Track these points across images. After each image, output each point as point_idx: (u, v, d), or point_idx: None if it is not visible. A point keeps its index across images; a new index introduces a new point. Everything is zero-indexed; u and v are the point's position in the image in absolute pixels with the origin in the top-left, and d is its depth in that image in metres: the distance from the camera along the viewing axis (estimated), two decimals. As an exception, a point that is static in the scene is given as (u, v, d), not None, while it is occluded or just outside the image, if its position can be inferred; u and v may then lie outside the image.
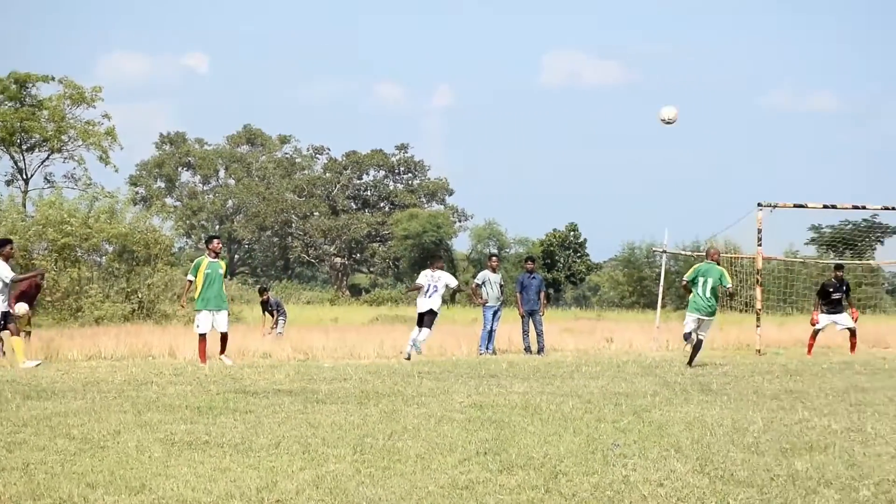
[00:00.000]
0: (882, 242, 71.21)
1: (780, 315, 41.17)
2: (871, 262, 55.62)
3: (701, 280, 21.75)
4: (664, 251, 34.10)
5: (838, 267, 27.01)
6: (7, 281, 20.25)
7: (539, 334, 26.09)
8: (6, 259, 20.43)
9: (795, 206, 27.32)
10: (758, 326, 26.13)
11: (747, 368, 20.03)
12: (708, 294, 21.65)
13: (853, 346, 25.74)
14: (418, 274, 24.36)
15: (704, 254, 23.64)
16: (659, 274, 37.94)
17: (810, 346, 25.71)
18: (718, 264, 22.02)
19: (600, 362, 21.69)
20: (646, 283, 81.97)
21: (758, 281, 27.12)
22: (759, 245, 26.86)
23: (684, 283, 22.23)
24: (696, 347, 21.58)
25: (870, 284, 58.52)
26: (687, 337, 21.72)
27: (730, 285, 21.84)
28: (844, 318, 25.83)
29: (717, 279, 21.59)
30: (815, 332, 25.76)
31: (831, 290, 25.90)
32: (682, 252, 49.92)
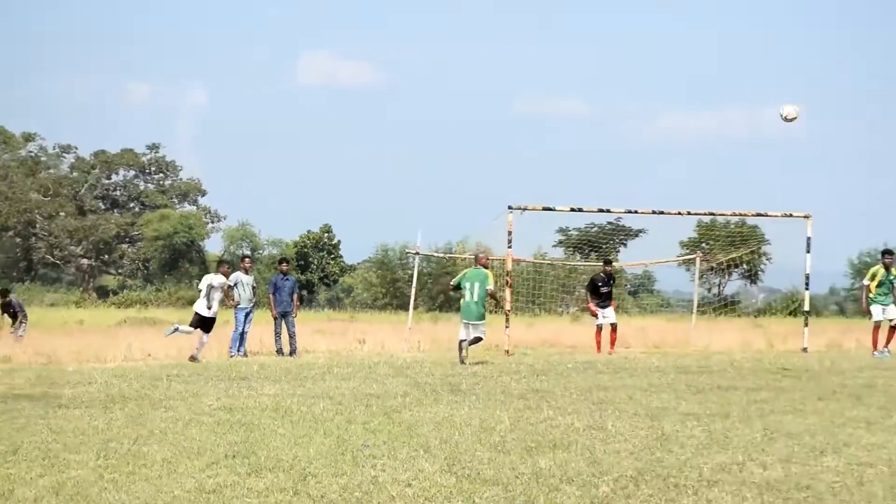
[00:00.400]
0: (625, 245, 73.98)
1: (529, 316, 42.23)
2: (615, 264, 57.78)
3: (468, 285, 22.54)
4: (417, 253, 34.50)
5: (607, 262, 27.92)
6: None
7: (291, 336, 25.95)
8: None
9: (544, 208, 28.09)
10: (507, 327, 26.69)
11: (496, 368, 20.45)
12: (476, 299, 22.44)
13: (613, 342, 26.61)
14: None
15: (474, 258, 24.24)
16: (412, 275, 38.32)
17: (598, 344, 26.50)
18: (486, 268, 22.77)
19: (352, 364, 21.75)
20: (399, 285, 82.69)
21: (507, 283, 27.71)
22: (510, 247, 27.47)
23: (451, 286, 22.99)
24: (471, 343, 22.52)
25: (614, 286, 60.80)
26: (460, 344, 22.58)
27: (490, 287, 22.50)
28: (610, 313, 26.73)
29: (482, 283, 22.37)
30: (600, 328, 26.59)
31: (600, 284, 26.77)
32: (436, 254, 50.79)
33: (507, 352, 26.02)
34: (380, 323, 45.07)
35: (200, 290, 24.69)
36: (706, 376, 18.48)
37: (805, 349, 28.07)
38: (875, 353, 24.77)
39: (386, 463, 9.51)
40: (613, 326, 26.75)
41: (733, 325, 39.83)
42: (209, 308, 24.35)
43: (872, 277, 25.30)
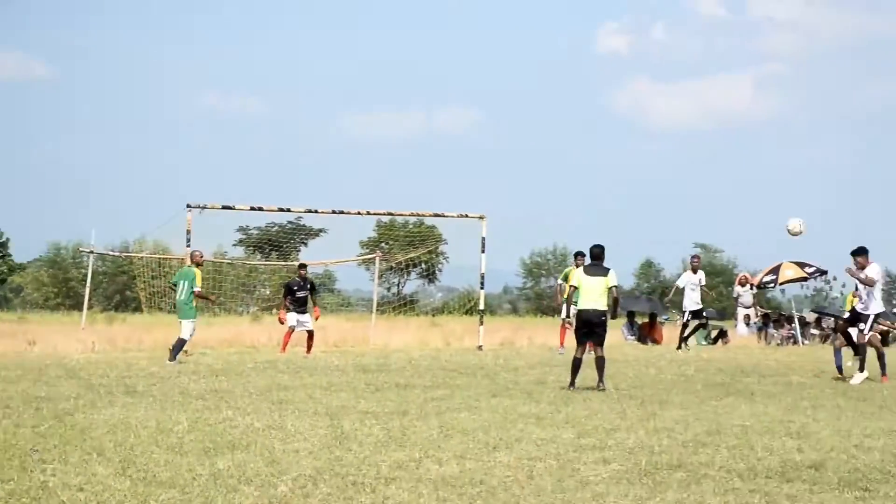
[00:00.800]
0: (306, 244, 74.14)
1: (209, 315, 41.65)
2: (295, 263, 57.82)
3: (180, 284, 23.20)
4: (91, 252, 33.40)
5: (302, 266, 27.79)
6: None
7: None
8: None
9: (224, 207, 27.84)
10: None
11: (174, 369, 20.08)
12: (184, 297, 23.03)
13: (309, 348, 26.22)
14: None
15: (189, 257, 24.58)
16: (86, 275, 37.09)
17: (285, 344, 26.18)
18: (199, 266, 23.55)
19: (21, 366, 20.82)
20: (72, 285, 79.91)
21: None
22: (188, 246, 27.00)
23: (171, 284, 23.83)
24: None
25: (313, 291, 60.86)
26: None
27: (197, 288, 23.07)
28: (307, 319, 26.45)
29: (191, 281, 23.01)
30: (291, 330, 26.30)
31: (296, 288, 26.55)
32: (111, 252, 49.13)
33: (187, 352, 25.58)
34: (51, 324, 43.33)
35: None
36: (385, 375, 18.78)
37: (480, 347, 28.99)
38: (560, 350, 25.85)
39: (56, 467, 9.16)
40: (310, 333, 26.33)
41: (412, 323, 40.65)
42: None
43: (566, 278, 26.45)
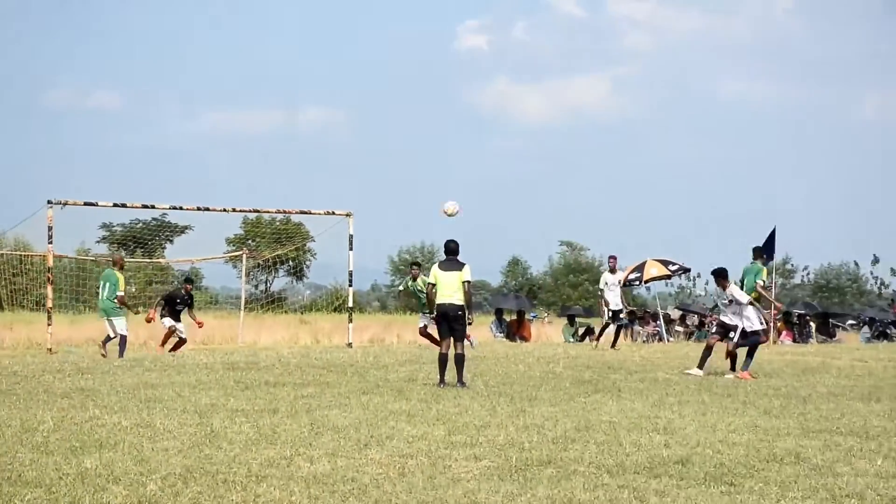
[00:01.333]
0: (171, 241, 73.05)
1: (73, 313, 40.84)
2: (161, 260, 57.02)
3: (101, 284, 24.21)
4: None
5: (189, 281, 27.80)
6: None
7: None
8: None
9: (86, 203, 27.40)
10: (49, 325, 25.72)
11: (38, 367, 19.63)
12: (107, 296, 23.90)
13: (176, 348, 26.17)
14: None
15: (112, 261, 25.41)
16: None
17: (164, 341, 26.16)
18: (121, 269, 24.44)
19: None
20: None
21: (49, 279, 26.74)
22: (50, 243, 26.52)
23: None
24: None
25: (160, 283, 59.76)
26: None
27: (120, 293, 23.85)
28: (182, 327, 26.49)
29: (114, 284, 23.86)
30: (172, 330, 26.10)
31: (178, 300, 26.36)
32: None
33: (50, 350, 25.06)
34: None
35: None
36: (254, 372, 18.63)
37: (350, 344, 28.97)
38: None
39: (-84, 470, 8.89)
40: (183, 341, 26.46)
41: (280, 321, 40.41)
42: None
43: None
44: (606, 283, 27.88)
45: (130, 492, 8.18)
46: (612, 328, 28.03)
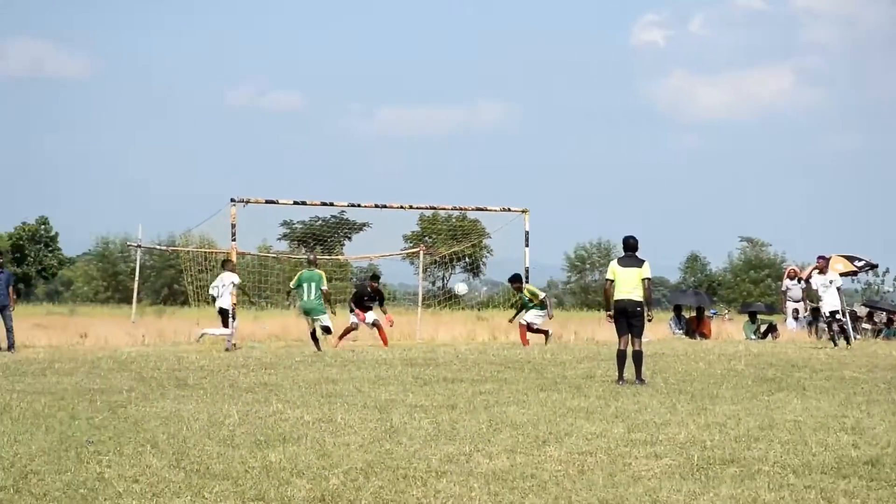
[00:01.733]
0: (350, 238, 74.27)
1: (256, 309, 41.85)
2: (339, 257, 58.00)
3: (305, 286, 24.64)
4: (139, 246, 33.61)
5: (375, 278, 28.29)
6: None
7: (9, 330, 24.90)
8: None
9: (267, 201, 28.04)
10: (233, 320, 26.36)
11: (223, 362, 20.19)
12: (314, 297, 24.62)
13: (385, 340, 26.80)
14: None
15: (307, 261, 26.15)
16: (134, 269, 37.32)
17: (345, 334, 26.72)
18: (317, 268, 25.20)
19: (74, 358, 21.02)
20: (121, 278, 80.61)
21: (234, 276, 27.36)
22: (234, 240, 27.21)
23: (293, 289, 25.35)
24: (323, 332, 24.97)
25: (339, 279, 60.80)
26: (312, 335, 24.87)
27: (325, 287, 24.73)
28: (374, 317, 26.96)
29: (318, 282, 24.61)
30: (355, 327, 26.69)
31: (366, 298, 26.96)
32: (158, 247, 49.33)
33: (235, 345, 25.72)
34: (102, 317, 43.66)
35: None
36: (432, 368, 18.78)
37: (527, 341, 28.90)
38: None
39: (112, 459, 9.23)
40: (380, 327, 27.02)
41: (457, 317, 40.62)
42: None
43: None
44: (819, 284, 27.04)
45: (314, 485, 8.32)
46: (833, 327, 27.12)
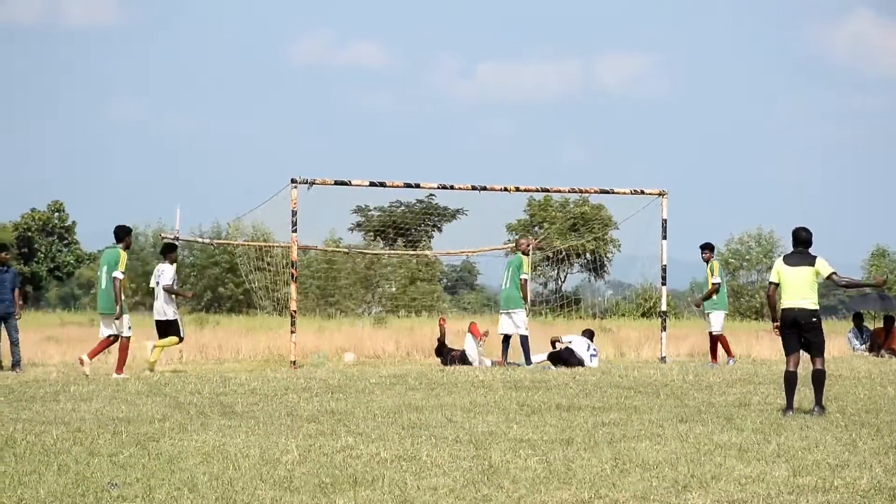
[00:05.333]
0: (439, 229, 74.46)
1: (321, 318, 42.16)
2: (426, 252, 58.13)
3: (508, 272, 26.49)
4: (176, 238, 33.98)
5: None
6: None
7: (14, 344, 25.27)
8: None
9: (337, 182, 28.05)
10: (293, 332, 26.60)
11: (280, 385, 20.36)
12: (509, 286, 26.38)
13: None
14: None
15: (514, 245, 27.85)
16: (171, 266, 37.71)
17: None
18: (525, 255, 26.80)
19: (95, 379, 21.36)
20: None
21: (293, 276, 27.58)
22: (294, 231, 27.33)
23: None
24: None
25: (426, 281, 61.05)
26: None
27: (523, 275, 26.27)
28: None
29: (517, 267, 26.33)
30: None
31: None
32: (200, 239, 49.74)
33: (294, 363, 25.94)
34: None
35: None
36: (542, 393, 18.77)
37: (663, 359, 28.79)
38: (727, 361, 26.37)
39: (140, 506, 9.38)
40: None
41: (575, 327, 40.52)
42: None
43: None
44: None
45: (392, 540, 8.37)
46: None
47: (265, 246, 36.33)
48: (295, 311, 27.18)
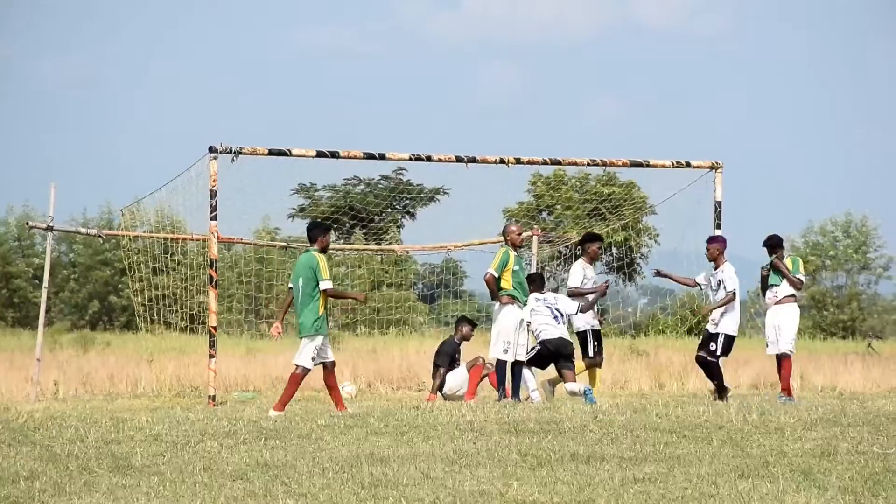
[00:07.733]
0: (412, 214, 74.53)
1: (248, 338, 42.19)
2: (394, 246, 58.18)
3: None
4: (50, 228, 33.90)
5: (469, 323, 28.52)
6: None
7: None
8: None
9: (272, 152, 27.91)
10: (212, 357, 26.56)
11: (194, 429, 20.35)
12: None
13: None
14: None
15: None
16: (41, 269, 37.64)
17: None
18: (516, 246, 26.87)
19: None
20: (18, 285, 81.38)
21: (212, 280, 27.48)
22: (214, 218, 27.20)
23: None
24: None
25: (395, 286, 60.98)
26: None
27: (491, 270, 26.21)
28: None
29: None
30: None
31: (457, 356, 27.58)
32: (83, 231, 49.71)
33: (213, 399, 25.95)
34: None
35: None
36: (552, 437, 18.81)
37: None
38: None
39: None
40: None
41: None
42: None
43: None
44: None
45: None
46: None
47: (172, 238, 36.29)
48: (215, 328, 27.12)
